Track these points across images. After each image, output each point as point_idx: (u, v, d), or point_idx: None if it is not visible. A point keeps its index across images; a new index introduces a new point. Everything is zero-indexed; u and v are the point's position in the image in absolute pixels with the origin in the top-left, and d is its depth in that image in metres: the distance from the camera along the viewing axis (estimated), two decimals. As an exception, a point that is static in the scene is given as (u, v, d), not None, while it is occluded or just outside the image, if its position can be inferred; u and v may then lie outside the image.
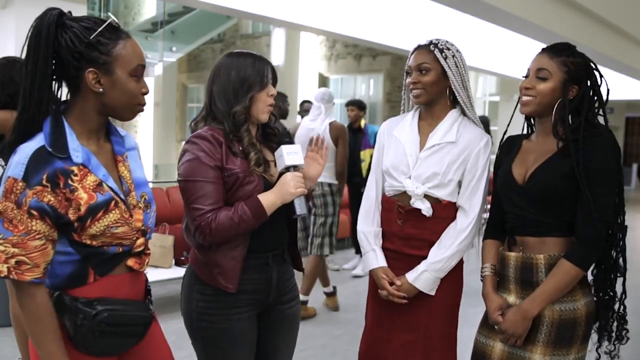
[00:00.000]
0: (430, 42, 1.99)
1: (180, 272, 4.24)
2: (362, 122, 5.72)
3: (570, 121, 1.73)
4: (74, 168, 1.30)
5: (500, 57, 9.02)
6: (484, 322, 1.90)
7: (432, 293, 1.96)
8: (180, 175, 1.69)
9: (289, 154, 1.75)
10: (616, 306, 1.81)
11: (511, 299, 1.81)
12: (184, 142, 1.72)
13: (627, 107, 16.29)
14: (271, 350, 1.87)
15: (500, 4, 5.18)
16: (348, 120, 5.94)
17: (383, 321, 2.05)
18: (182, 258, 4.40)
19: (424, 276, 1.94)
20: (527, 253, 1.78)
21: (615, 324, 1.81)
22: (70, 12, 1.34)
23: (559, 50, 1.76)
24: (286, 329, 1.89)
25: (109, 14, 1.39)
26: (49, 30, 1.28)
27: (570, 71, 1.73)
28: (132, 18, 17.10)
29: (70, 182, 1.29)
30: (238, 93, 1.73)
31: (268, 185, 1.76)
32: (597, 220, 1.65)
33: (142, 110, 1.42)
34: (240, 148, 1.73)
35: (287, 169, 1.76)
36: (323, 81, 13.97)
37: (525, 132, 1.95)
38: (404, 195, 1.98)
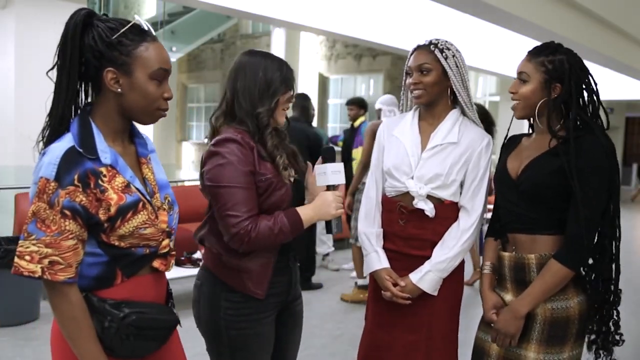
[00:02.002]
0: (430, 42, 1.99)
1: (180, 272, 4.23)
2: (360, 120, 5.66)
3: (563, 119, 1.74)
4: (103, 169, 1.30)
5: (500, 57, 9.02)
6: (484, 319, 1.90)
7: (435, 293, 1.95)
8: (212, 180, 1.64)
9: (334, 173, 1.75)
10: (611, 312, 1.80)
11: (508, 297, 1.82)
12: (210, 145, 1.68)
13: (627, 107, 16.28)
14: (283, 347, 1.87)
15: (500, 4, 5.18)
16: (348, 119, 5.91)
17: (385, 323, 2.04)
18: (182, 258, 4.39)
19: (428, 277, 1.93)
20: (519, 253, 1.78)
21: (609, 331, 1.80)
22: (106, 14, 1.35)
23: (539, 51, 1.76)
24: (295, 325, 1.90)
25: (136, 16, 1.39)
26: (75, 29, 1.29)
27: (549, 70, 1.72)
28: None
29: (100, 182, 1.29)
30: (263, 95, 1.71)
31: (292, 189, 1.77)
32: (584, 219, 1.65)
33: (163, 116, 1.41)
34: (266, 152, 1.71)
35: (328, 187, 1.76)
36: (323, 81, 13.98)
37: (530, 131, 1.94)
38: (406, 196, 1.97)
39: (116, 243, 1.33)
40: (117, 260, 1.34)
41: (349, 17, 7.00)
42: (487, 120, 5.17)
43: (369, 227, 2.05)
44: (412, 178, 1.95)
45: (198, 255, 4.49)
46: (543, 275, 1.70)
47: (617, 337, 1.80)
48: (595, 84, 1.77)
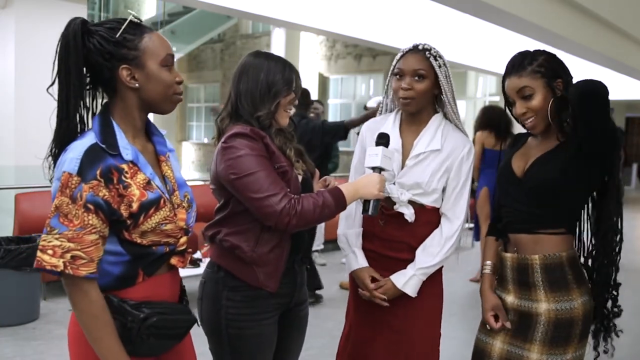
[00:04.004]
0: (424, 48, 1.96)
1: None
2: None
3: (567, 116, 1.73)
4: (124, 166, 1.32)
5: (500, 57, 9.02)
6: (484, 321, 1.90)
7: (415, 295, 1.96)
8: (235, 172, 1.63)
9: (384, 157, 1.78)
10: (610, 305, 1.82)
11: (510, 298, 1.82)
12: (221, 142, 1.68)
13: (627, 107, 16.29)
14: (284, 351, 1.87)
15: (500, 4, 5.18)
16: None
17: (365, 321, 2.05)
18: (182, 258, 4.39)
19: (412, 281, 1.94)
20: (522, 254, 1.78)
21: (609, 322, 1.81)
22: (92, 20, 1.37)
23: (521, 64, 1.74)
24: (297, 330, 1.90)
25: (130, 11, 1.40)
26: (76, 37, 1.30)
27: (544, 73, 1.72)
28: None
29: (123, 178, 1.31)
30: (264, 97, 1.72)
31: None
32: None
33: (180, 100, 1.43)
34: (275, 145, 1.74)
35: (374, 169, 1.78)
36: (323, 81, 13.99)
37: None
38: (388, 198, 1.96)
39: (138, 240, 1.34)
40: (139, 259, 1.36)
41: (349, 17, 7.01)
42: (505, 126, 5.18)
43: (348, 228, 2.06)
44: (394, 184, 1.95)
45: (198, 255, 4.49)
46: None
47: (617, 310, 1.81)
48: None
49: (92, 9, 14.54)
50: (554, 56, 1.76)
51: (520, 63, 1.74)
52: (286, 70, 1.76)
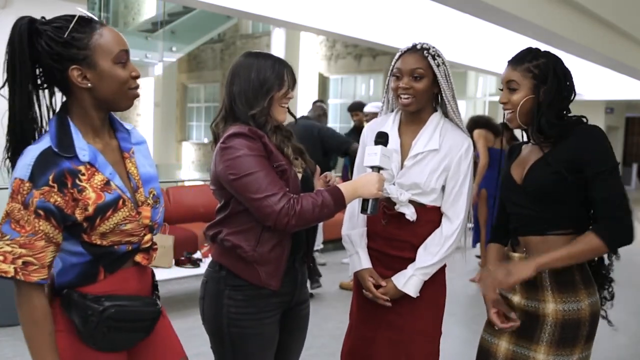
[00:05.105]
0: (422, 47, 1.97)
1: (180, 272, 4.23)
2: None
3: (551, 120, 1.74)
4: (81, 167, 1.30)
5: (500, 57, 9.01)
6: (489, 321, 1.90)
7: (416, 295, 1.97)
8: (234, 173, 1.63)
9: (383, 156, 1.78)
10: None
11: (516, 299, 1.82)
12: (219, 143, 1.68)
13: (627, 107, 16.29)
14: (285, 350, 1.88)
15: (500, 4, 5.18)
16: (356, 124, 5.97)
17: (369, 320, 2.06)
18: (182, 258, 4.39)
19: (412, 281, 1.95)
20: (530, 254, 1.78)
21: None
22: (43, 17, 1.33)
23: (521, 58, 1.77)
24: (298, 329, 1.91)
25: (79, 8, 1.36)
26: (22, 39, 1.27)
27: (536, 75, 1.73)
28: (132, 18, 17.10)
29: (78, 181, 1.28)
30: (257, 95, 1.73)
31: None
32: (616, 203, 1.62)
33: (137, 95, 1.39)
34: (273, 144, 1.74)
35: (373, 168, 1.78)
36: (323, 81, 13.98)
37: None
38: (389, 199, 1.97)
39: (98, 242, 1.33)
40: (100, 259, 1.35)
41: (349, 17, 7.01)
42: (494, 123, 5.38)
43: (351, 228, 2.08)
44: (394, 184, 1.95)
45: (198, 255, 4.49)
46: (575, 242, 1.66)
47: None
48: (571, 82, 1.78)
49: (92, 9, 14.53)
50: (556, 61, 1.75)
51: (522, 57, 1.77)
52: (276, 65, 1.75)
